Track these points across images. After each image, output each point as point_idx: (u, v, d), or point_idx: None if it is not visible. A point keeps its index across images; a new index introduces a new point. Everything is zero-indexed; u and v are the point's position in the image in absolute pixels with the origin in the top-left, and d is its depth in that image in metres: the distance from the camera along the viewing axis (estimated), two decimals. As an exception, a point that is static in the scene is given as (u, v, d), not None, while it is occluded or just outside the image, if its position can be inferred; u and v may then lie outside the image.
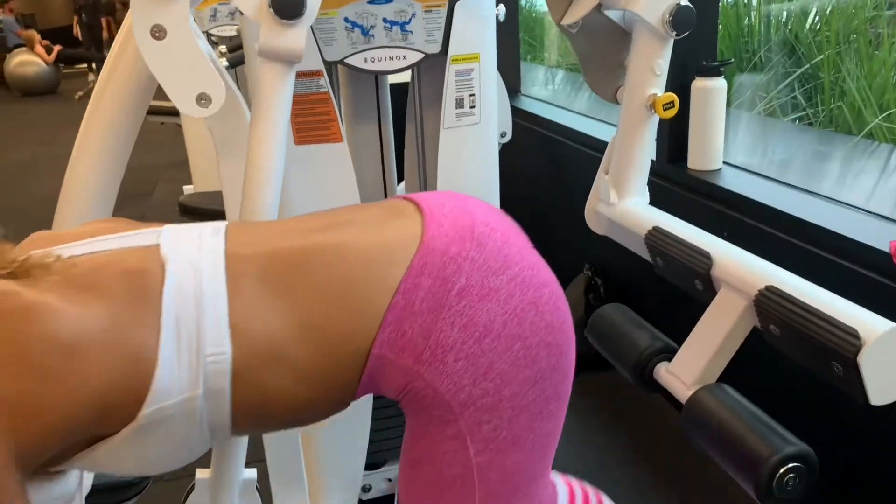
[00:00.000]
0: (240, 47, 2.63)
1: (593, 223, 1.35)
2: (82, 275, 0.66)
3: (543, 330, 0.73)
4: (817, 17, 3.28)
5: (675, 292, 1.78)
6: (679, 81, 1.77)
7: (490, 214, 0.79)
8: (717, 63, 1.73)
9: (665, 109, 1.19)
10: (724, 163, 1.82)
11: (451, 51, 1.30)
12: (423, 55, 1.30)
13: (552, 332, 0.73)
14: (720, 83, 1.73)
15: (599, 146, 2.26)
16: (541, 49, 5.04)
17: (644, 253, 1.21)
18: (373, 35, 1.26)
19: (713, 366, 0.98)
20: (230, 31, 2.78)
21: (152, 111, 3.81)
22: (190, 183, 3.87)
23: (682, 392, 0.98)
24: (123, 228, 0.75)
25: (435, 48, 1.30)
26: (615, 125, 2.53)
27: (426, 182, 1.50)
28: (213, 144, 1.25)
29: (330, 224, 0.78)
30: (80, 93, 9.75)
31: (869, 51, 2.88)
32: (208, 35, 2.74)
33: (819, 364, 0.84)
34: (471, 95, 1.35)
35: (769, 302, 0.90)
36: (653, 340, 1.07)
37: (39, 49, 9.74)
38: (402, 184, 1.60)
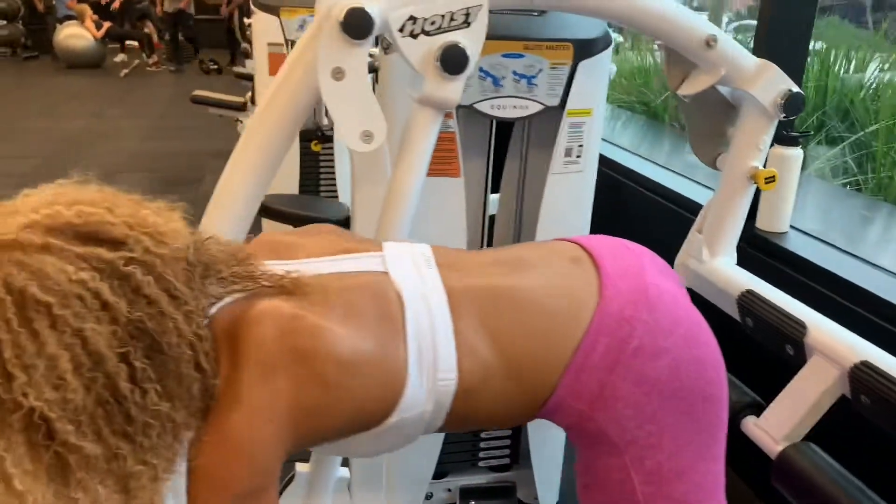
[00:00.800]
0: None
1: (682, 275, 1.45)
2: (338, 298, 0.76)
3: (705, 384, 0.83)
4: (873, 86, 3.38)
5: (746, 347, 1.88)
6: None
7: (659, 272, 0.88)
8: (797, 133, 1.84)
9: (766, 183, 1.30)
10: (791, 226, 1.93)
11: (569, 105, 1.42)
12: (543, 107, 1.41)
13: (712, 386, 0.84)
14: (797, 153, 1.83)
15: (656, 188, 2.38)
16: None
17: (731, 310, 1.31)
18: (503, 85, 1.38)
19: (801, 425, 1.08)
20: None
21: (216, 103, 3.99)
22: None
23: (772, 446, 1.08)
24: (340, 241, 0.85)
25: (555, 101, 1.42)
26: (668, 168, 2.61)
27: (521, 217, 1.61)
28: (352, 171, 1.35)
29: (521, 263, 0.87)
30: (126, 70, 9.95)
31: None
32: (293, 43, 2.85)
33: None
34: (579, 146, 1.47)
35: (863, 375, 1.00)
36: (742, 395, 1.17)
37: (89, 23, 9.93)
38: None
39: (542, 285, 0.84)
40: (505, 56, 1.36)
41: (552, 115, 1.44)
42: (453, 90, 1.11)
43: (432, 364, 0.77)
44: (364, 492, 1.52)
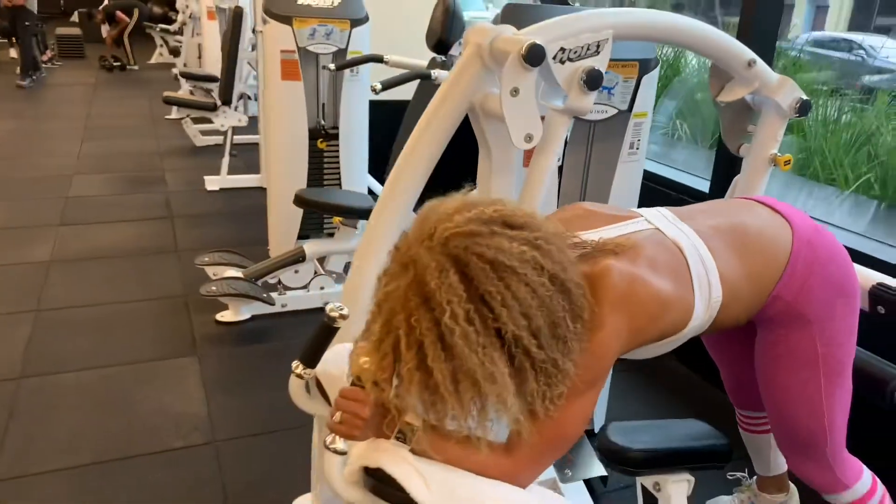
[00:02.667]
0: (346, 64, 3.06)
1: None
2: (641, 252, 1.12)
3: (852, 284, 1.31)
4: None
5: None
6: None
7: (813, 223, 1.32)
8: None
9: (785, 164, 1.78)
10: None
11: (635, 109, 1.84)
12: (617, 111, 1.83)
13: (854, 286, 1.31)
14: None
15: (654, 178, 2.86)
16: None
17: None
18: (591, 94, 1.78)
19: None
20: (325, 49, 3.17)
21: (188, 104, 4.22)
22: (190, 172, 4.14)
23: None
24: (608, 213, 1.23)
25: (624, 106, 1.84)
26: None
27: (585, 195, 2.03)
28: (484, 165, 1.70)
29: (731, 210, 1.31)
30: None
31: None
32: (305, 50, 3.12)
33: None
34: (638, 140, 1.90)
35: (882, 293, 1.48)
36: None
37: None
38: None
39: (754, 222, 1.27)
40: (594, 73, 1.76)
41: (618, 117, 1.86)
42: (588, 102, 1.50)
43: (708, 293, 1.17)
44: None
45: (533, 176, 1.56)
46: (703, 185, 2.61)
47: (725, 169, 2.50)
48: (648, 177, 2.87)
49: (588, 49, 1.49)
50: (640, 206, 2.87)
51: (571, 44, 1.47)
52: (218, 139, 5.64)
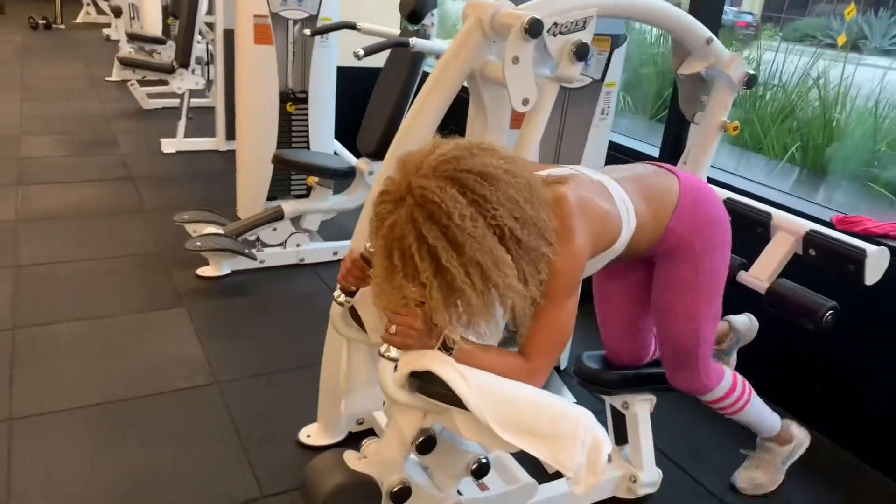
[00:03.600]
0: (322, 29, 3.18)
1: None
2: (584, 184, 1.40)
3: (723, 220, 1.63)
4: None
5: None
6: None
7: (694, 176, 1.67)
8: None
9: (734, 130, 2.05)
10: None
11: (607, 78, 2.08)
12: (591, 80, 2.07)
13: (724, 221, 1.63)
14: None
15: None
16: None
17: None
18: (570, 65, 2.01)
19: (775, 272, 1.87)
20: (296, 14, 3.28)
21: (146, 66, 4.28)
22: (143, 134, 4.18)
23: (761, 285, 1.86)
24: (535, 164, 1.53)
25: (598, 76, 2.08)
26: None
27: (559, 159, 2.27)
28: (477, 124, 1.90)
29: (634, 168, 1.61)
30: None
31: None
32: (277, 15, 3.22)
33: (839, 268, 1.74)
34: (608, 107, 2.15)
35: (814, 238, 1.79)
36: (734, 259, 1.92)
37: None
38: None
39: (649, 175, 1.59)
40: (574, 46, 1.98)
41: (591, 86, 2.10)
42: (576, 71, 1.72)
43: (627, 216, 1.45)
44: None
45: (524, 136, 1.78)
46: (654, 151, 2.89)
47: (674, 137, 2.78)
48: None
49: (577, 24, 1.71)
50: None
51: (563, 19, 1.68)
52: (166, 102, 5.62)
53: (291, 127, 3.51)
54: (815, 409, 2.34)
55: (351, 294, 1.43)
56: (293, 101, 3.44)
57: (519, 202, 1.18)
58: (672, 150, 2.80)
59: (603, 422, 1.93)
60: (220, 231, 2.97)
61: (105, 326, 2.56)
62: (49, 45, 8.52)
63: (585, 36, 1.71)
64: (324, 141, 3.56)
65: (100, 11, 10.05)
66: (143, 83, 5.55)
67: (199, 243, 2.84)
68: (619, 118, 4.35)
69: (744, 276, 1.92)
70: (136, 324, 2.60)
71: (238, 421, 2.11)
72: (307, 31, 3.17)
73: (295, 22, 3.32)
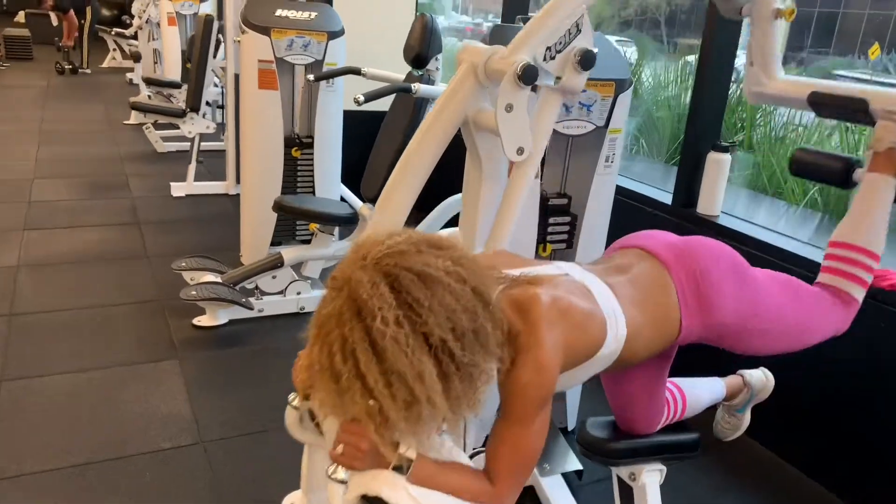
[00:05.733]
0: (326, 75, 3.14)
1: (754, 100, 1.96)
2: (559, 286, 1.25)
3: (728, 260, 1.45)
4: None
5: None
6: (696, 154, 2.58)
7: (664, 234, 1.50)
8: (726, 144, 2.55)
9: (790, 15, 1.82)
10: (722, 211, 2.64)
11: (611, 125, 1.99)
12: (595, 127, 1.97)
13: (731, 258, 1.46)
14: (727, 157, 2.54)
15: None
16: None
17: (802, 107, 1.84)
18: (571, 111, 1.92)
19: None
20: (302, 60, 3.25)
21: (155, 110, 4.28)
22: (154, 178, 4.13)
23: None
24: (518, 258, 1.39)
25: (601, 122, 1.98)
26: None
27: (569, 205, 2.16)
28: (472, 175, 1.81)
29: (623, 267, 1.43)
30: None
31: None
32: (282, 60, 3.19)
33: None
34: (613, 154, 2.04)
35: None
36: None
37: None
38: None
39: (641, 272, 1.42)
40: (575, 91, 1.90)
41: (595, 133, 2.00)
42: (581, 81, 1.61)
43: (615, 322, 1.29)
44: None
45: (516, 182, 1.68)
46: (666, 197, 2.78)
47: (687, 182, 2.67)
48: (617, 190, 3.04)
49: (570, 34, 1.59)
50: (612, 216, 3.00)
51: (554, 38, 1.57)
52: (180, 145, 5.63)
53: (297, 172, 3.45)
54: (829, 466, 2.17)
55: (308, 396, 1.29)
56: (299, 146, 3.40)
57: (456, 311, 1.01)
58: (686, 195, 2.68)
59: (609, 491, 1.80)
60: (218, 279, 2.89)
61: (94, 380, 2.47)
62: (72, 90, 8.67)
63: (584, 39, 1.60)
64: (330, 186, 3.50)
65: (125, 56, 10.25)
66: (158, 126, 5.57)
67: (193, 292, 2.76)
68: (633, 162, 4.27)
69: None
70: (125, 377, 2.51)
71: (221, 485, 1.99)
72: (311, 77, 3.12)
73: (301, 67, 3.28)
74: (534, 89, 1.61)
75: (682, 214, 2.67)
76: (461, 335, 1.02)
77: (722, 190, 2.60)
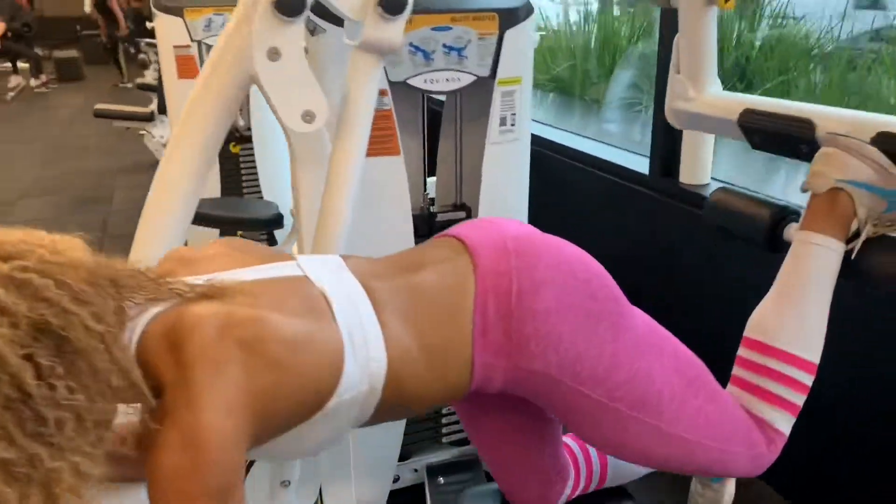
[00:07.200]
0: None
1: (675, 121, 1.44)
2: (264, 296, 0.78)
3: (584, 285, 0.92)
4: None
5: (667, 300, 1.95)
6: (672, 104, 1.97)
7: (512, 225, 0.99)
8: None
9: (726, 1, 1.27)
10: (712, 178, 2.02)
11: (500, 74, 1.44)
12: (475, 77, 1.43)
13: (591, 282, 0.93)
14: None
15: (586, 159, 2.45)
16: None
17: (736, 136, 1.30)
18: (433, 59, 1.39)
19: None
20: (223, 41, 2.83)
21: (121, 115, 3.87)
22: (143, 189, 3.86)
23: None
24: (245, 252, 0.87)
25: (485, 72, 1.44)
26: (590, 138, 2.69)
27: (461, 192, 1.63)
28: (292, 159, 1.32)
29: (417, 264, 0.95)
30: (12, 93, 9.38)
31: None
32: (202, 44, 2.77)
33: None
34: (512, 114, 1.49)
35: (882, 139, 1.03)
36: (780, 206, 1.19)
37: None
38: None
39: (434, 278, 0.92)
40: (434, 29, 1.37)
41: (484, 86, 1.46)
42: (395, 31, 1.11)
43: (364, 347, 0.81)
44: (332, 473, 1.51)
45: (339, 146, 1.18)
46: (643, 165, 2.19)
47: (663, 143, 2.07)
48: (586, 160, 2.45)
49: None
50: (562, 196, 2.38)
51: None
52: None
53: (241, 171, 3.05)
54: None
55: None
56: (238, 140, 2.98)
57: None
58: (663, 162, 2.08)
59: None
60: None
61: None
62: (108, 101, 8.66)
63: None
64: (278, 185, 3.06)
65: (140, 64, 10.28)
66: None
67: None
68: (632, 125, 3.62)
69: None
70: None
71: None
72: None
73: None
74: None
75: (661, 187, 2.07)
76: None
77: (709, 150, 1.99)
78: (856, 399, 1.61)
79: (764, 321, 1.07)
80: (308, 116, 1.10)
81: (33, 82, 9.94)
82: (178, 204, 1.23)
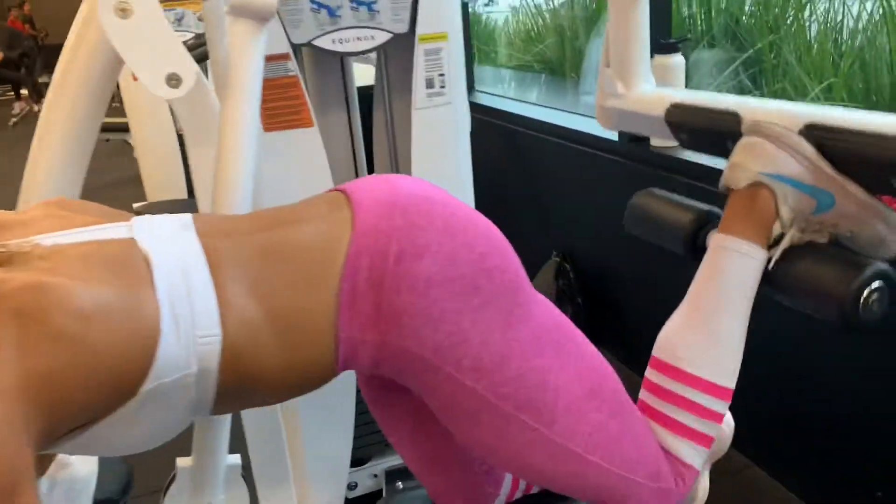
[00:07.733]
0: (199, 46, 2.59)
1: (604, 121, 1.28)
2: (72, 262, 0.65)
3: (479, 260, 0.77)
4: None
5: (643, 269, 1.80)
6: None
7: (413, 183, 0.84)
8: (673, 40, 1.77)
9: None
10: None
11: (419, 30, 1.29)
12: (391, 35, 1.29)
13: (488, 258, 0.77)
14: (678, 59, 1.76)
15: (557, 132, 2.30)
16: (487, 52, 5.11)
17: (665, 136, 1.16)
18: (339, 16, 1.24)
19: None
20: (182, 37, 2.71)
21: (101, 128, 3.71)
22: (141, 199, 3.78)
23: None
24: (76, 213, 0.74)
25: (402, 27, 1.29)
26: (567, 111, 2.54)
27: (398, 165, 1.49)
28: (183, 132, 1.20)
29: (283, 220, 0.81)
30: (15, 119, 9.43)
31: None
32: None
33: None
34: (440, 75, 1.35)
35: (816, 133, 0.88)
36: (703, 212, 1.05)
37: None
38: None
39: (299, 236, 0.78)
40: (335, -18, 1.23)
41: (406, 45, 1.32)
42: None
43: (189, 319, 0.67)
44: (269, 485, 1.37)
45: (225, 125, 1.03)
46: (613, 133, 2.03)
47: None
48: (557, 132, 2.30)
49: None
50: (534, 171, 2.23)
51: None
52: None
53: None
54: None
55: None
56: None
57: None
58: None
59: None
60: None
61: None
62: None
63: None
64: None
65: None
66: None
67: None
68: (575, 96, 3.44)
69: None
70: None
71: None
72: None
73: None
74: None
75: (631, 152, 1.90)
76: None
77: (679, 109, 1.82)
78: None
79: (673, 338, 0.90)
80: (174, 80, 0.97)
81: (36, 108, 10.00)
82: (52, 194, 1.10)
